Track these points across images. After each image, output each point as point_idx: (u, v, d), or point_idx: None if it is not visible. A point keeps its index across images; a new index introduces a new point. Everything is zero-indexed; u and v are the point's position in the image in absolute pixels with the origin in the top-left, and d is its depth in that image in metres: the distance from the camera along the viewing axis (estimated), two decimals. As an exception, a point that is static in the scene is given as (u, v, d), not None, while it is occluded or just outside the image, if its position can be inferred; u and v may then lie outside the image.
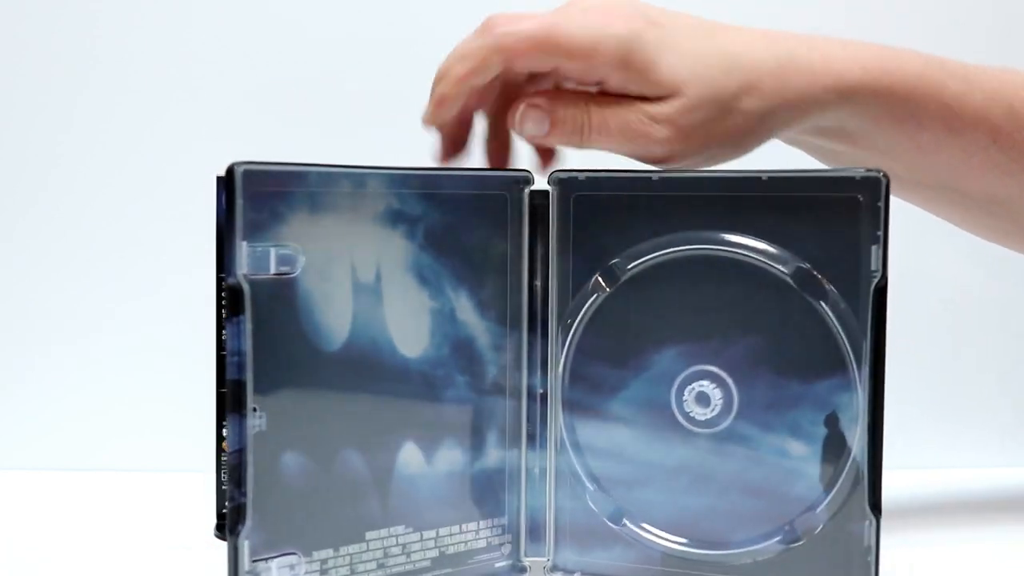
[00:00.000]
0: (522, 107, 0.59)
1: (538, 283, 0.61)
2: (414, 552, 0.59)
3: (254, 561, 0.53)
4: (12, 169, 0.86)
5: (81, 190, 0.88)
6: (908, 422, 0.87)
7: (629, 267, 0.60)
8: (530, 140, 0.62)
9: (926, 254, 0.89)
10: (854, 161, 0.64)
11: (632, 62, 0.59)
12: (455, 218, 0.59)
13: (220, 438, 0.64)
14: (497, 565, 0.62)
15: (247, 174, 0.52)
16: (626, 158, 0.62)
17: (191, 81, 0.89)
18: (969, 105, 0.63)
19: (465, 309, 0.60)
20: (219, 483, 0.67)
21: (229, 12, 0.90)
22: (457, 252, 0.59)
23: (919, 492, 0.80)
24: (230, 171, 0.52)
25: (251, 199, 0.52)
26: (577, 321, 0.61)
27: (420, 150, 0.63)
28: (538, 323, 0.62)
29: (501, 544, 0.62)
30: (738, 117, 0.60)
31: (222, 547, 0.55)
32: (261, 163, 0.52)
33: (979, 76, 0.64)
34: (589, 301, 0.61)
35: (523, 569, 0.62)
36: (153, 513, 0.76)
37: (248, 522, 0.53)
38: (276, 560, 0.54)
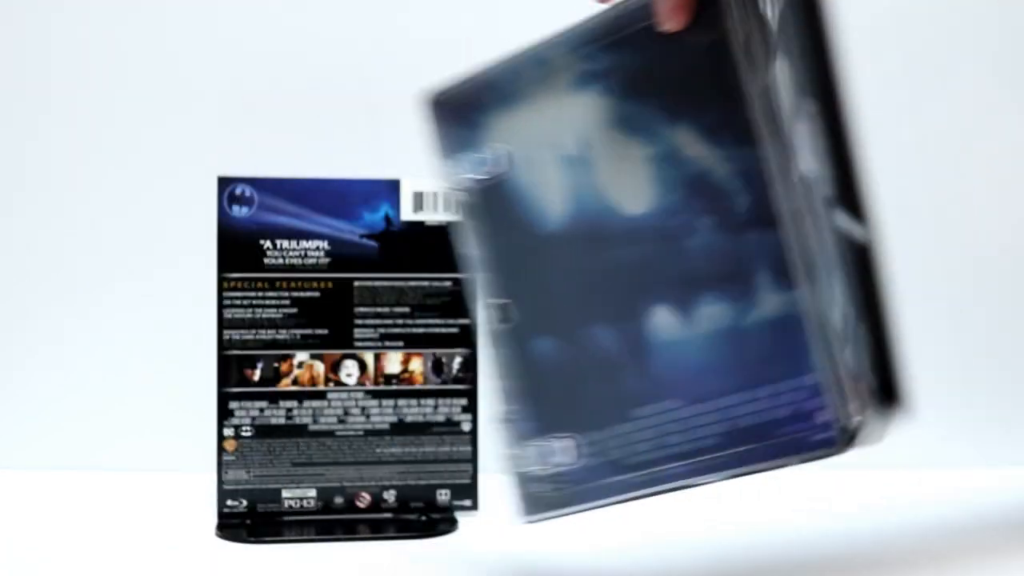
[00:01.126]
0: None
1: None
2: (697, 428, 0.50)
3: (524, 446, 0.55)
4: (12, 170, 0.85)
5: (81, 190, 0.84)
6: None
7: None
8: None
9: (926, 252, 0.84)
10: None
11: None
12: (652, 52, 0.51)
13: (221, 437, 0.64)
14: (815, 438, 0.47)
15: (438, 102, 0.57)
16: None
17: (188, 83, 0.84)
18: None
19: (689, 143, 0.50)
20: (220, 483, 0.68)
21: (222, 12, 0.85)
22: (665, 86, 0.51)
23: (919, 492, 0.76)
24: (429, 100, 0.57)
25: (446, 121, 0.57)
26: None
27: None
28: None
29: (813, 410, 0.48)
30: None
31: (223, 547, 0.60)
32: (449, 86, 0.57)
33: None
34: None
35: (853, 432, 0.46)
36: (153, 513, 0.71)
37: (515, 408, 0.55)
38: (542, 444, 0.54)
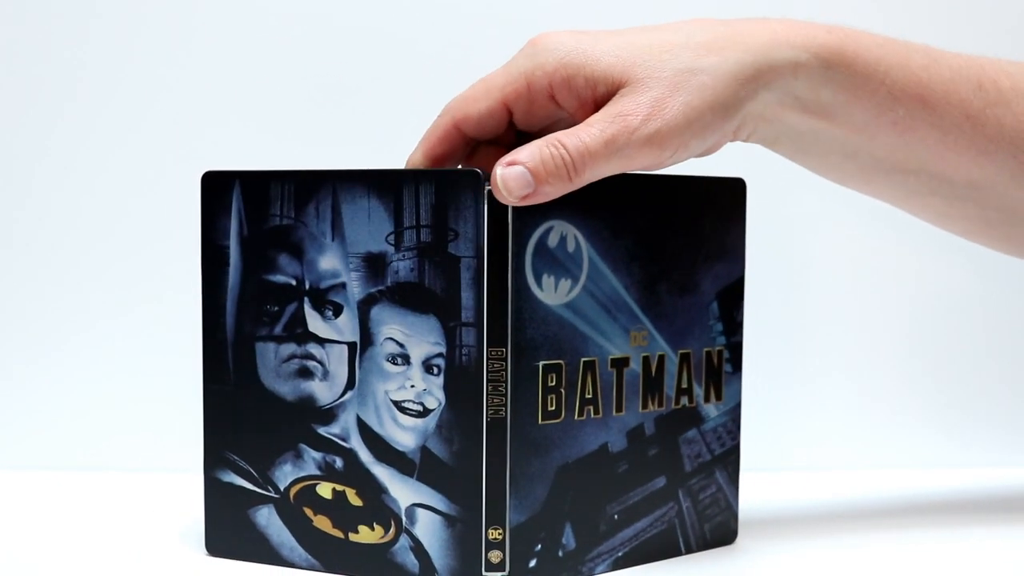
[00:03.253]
0: (497, 174, 0.55)
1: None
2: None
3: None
4: (7, 168, 0.82)
5: (76, 188, 0.81)
6: (909, 422, 0.87)
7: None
8: (522, 202, 0.55)
9: (927, 253, 0.87)
10: (833, 145, 0.61)
11: (568, 66, 0.56)
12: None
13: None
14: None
15: None
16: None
17: (182, 80, 0.83)
18: (937, 79, 0.60)
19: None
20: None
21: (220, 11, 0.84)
22: None
23: (920, 492, 0.78)
24: None
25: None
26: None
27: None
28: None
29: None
30: (705, 77, 0.56)
31: None
32: None
33: (941, 53, 0.61)
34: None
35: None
36: (154, 513, 0.69)
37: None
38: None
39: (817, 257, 0.75)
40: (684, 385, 0.61)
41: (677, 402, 0.61)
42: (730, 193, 0.63)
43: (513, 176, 0.54)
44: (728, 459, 0.64)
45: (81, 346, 0.85)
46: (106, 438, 0.83)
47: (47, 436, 0.84)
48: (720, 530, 0.64)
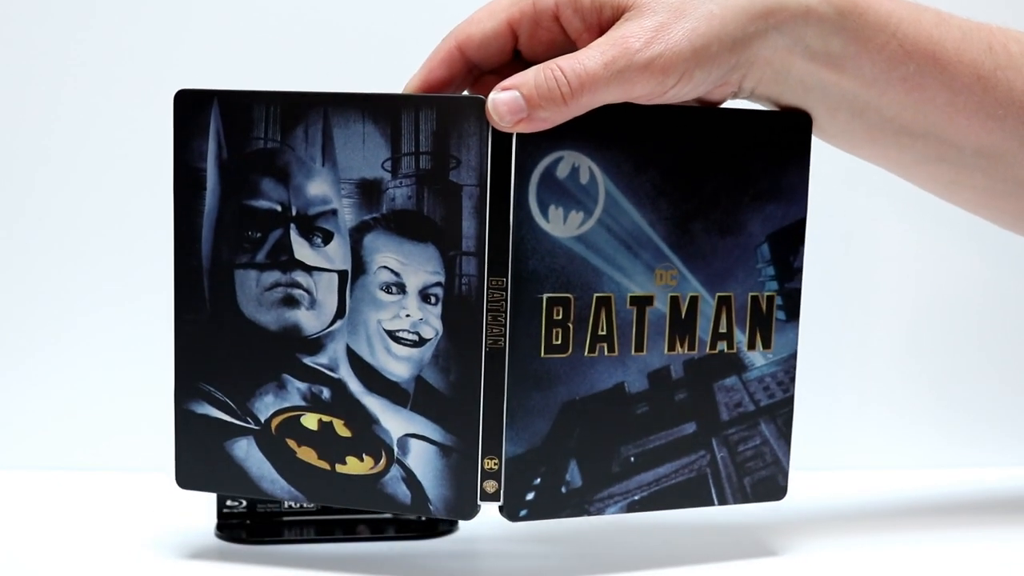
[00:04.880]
0: (490, 98, 0.54)
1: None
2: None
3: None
4: (8, 172, 0.81)
5: (70, 185, 0.80)
6: (909, 422, 0.87)
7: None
8: (515, 127, 0.54)
9: (927, 251, 0.86)
10: (841, 102, 0.58)
11: None
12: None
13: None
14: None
15: None
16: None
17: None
18: (949, 38, 0.59)
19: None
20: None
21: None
22: None
23: (919, 492, 0.78)
24: None
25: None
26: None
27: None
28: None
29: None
30: (713, 6, 0.54)
31: (222, 547, 0.63)
32: None
33: (950, 15, 0.60)
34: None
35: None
36: (153, 513, 0.70)
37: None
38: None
39: (816, 257, 0.72)
40: (722, 330, 0.58)
41: (713, 347, 0.58)
42: (790, 128, 0.58)
43: (504, 100, 0.53)
44: (778, 412, 0.60)
45: (81, 345, 0.81)
46: (105, 438, 0.80)
47: (44, 436, 0.81)
48: (765, 485, 0.61)
